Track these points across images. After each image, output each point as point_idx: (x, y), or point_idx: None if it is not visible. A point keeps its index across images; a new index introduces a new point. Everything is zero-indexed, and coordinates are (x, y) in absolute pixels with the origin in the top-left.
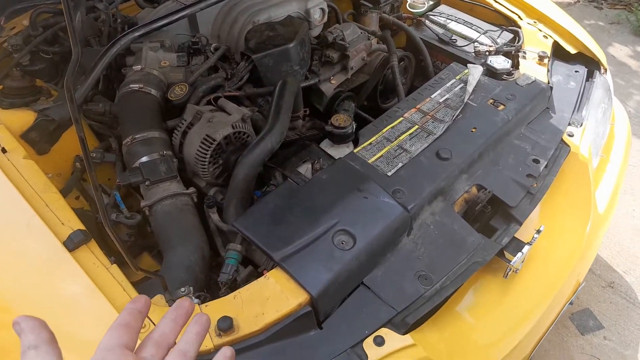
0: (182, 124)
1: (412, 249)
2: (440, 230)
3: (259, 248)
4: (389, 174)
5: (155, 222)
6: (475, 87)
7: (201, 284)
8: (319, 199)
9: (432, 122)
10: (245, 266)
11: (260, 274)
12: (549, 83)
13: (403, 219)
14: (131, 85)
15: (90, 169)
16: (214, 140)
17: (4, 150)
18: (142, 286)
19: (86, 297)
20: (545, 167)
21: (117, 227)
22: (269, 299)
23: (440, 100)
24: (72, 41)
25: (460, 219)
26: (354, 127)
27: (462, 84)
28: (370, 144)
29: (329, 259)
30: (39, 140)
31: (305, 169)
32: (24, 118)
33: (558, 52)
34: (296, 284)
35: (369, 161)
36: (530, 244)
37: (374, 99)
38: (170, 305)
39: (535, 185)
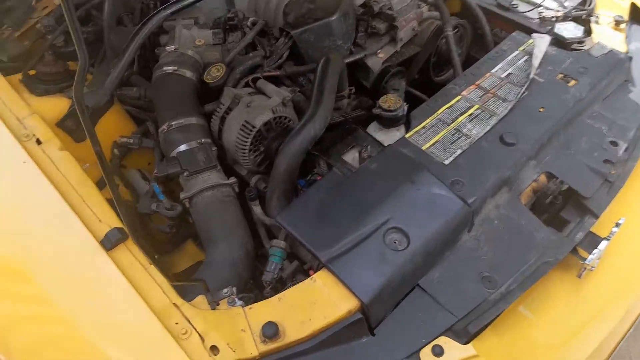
0: (220, 109)
1: (474, 247)
2: (506, 226)
3: (304, 247)
4: (446, 162)
5: (196, 215)
6: (541, 59)
7: (245, 282)
8: (367, 191)
9: (494, 100)
10: (290, 261)
11: (307, 273)
12: (627, 52)
13: (463, 215)
14: (165, 68)
15: (110, 183)
16: (254, 127)
17: (38, 142)
18: (183, 287)
19: (123, 300)
20: (625, 150)
21: (158, 218)
22: (315, 303)
23: (503, 76)
24: (77, 46)
25: (527, 212)
26: (405, 109)
27: (526, 57)
28: (423, 127)
29: (380, 261)
30: (75, 128)
31: (351, 157)
32: (58, 105)
33: (636, 15)
34: (345, 289)
35: (423, 148)
36: (608, 239)
37: (426, 73)
38: (212, 308)
39: (613, 172)
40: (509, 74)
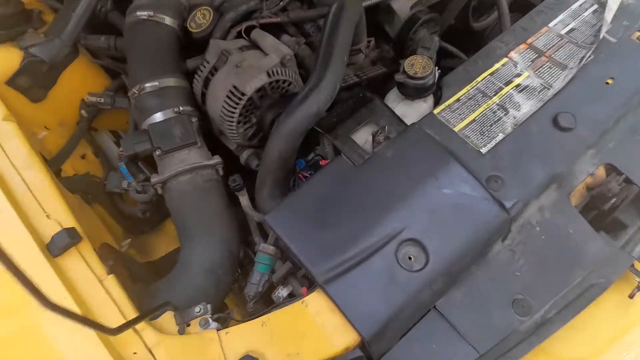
0: (204, 67)
1: (508, 261)
2: (549, 234)
3: (297, 260)
4: (483, 150)
5: (171, 204)
6: (616, 12)
7: (225, 289)
8: (380, 189)
9: (550, 67)
10: (283, 260)
11: (300, 280)
12: None
13: (499, 224)
14: (138, 13)
15: None
16: (244, 94)
17: None
18: (148, 304)
19: (67, 325)
20: None
21: (129, 199)
22: (306, 334)
23: (563, 32)
24: None
25: (578, 218)
26: (437, 75)
27: (595, 6)
28: (458, 100)
29: (390, 285)
30: (30, 85)
31: (363, 137)
32: (8, 59)
33: None
34: (343, 319)
35: (455, 129)
36: None
37: (465, 19)
38: (181, 332)
39: None
40: (571, 30)
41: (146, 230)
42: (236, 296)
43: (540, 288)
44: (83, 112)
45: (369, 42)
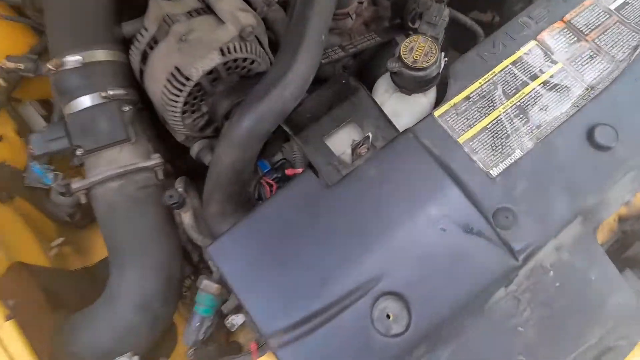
0: (142, 37)
1: (510, 311)
2: (566, 281)
3: (245, 312)
4: (494, 172)
5: (97, 215)
6: None
7: (164, 322)
8: (357, 220)
9: (591, 56)
10: None
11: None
12: None
13: (505, 273)
14: None
15: None
16: (188, 78)
17: None
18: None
19: None
20: None
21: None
22: None
23: (612, 7)
24: None
25: (603, 259)
26: (443, 63)
27: None
28: (467, 97)
29: (360, 353)
30: None
31: (342, 143)
32: None
33: None
34: None
35: (460, 139)
36: None
37: None
38: None
39: None
40: (624, 4)
41: (83, 224)
42: (187, 309)
43: (547, 349)
44: (0, 80)
45: (360, 3)
